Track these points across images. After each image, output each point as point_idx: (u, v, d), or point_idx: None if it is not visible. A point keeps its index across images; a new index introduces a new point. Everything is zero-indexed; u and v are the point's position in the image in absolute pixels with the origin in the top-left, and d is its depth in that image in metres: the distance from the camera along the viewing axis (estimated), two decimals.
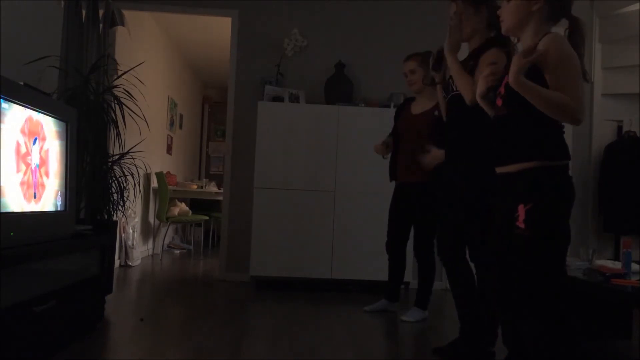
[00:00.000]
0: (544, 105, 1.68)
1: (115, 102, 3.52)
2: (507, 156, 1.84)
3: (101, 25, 3.86)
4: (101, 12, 3.86)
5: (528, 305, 1.76)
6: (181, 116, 7.88)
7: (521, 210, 1.76)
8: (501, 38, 2.44)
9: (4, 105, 1.97)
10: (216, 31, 6.25)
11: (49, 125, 2.37)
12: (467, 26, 2.52)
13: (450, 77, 2.57)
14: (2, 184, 1.94)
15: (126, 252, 5.21)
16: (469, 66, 2.48)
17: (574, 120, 1.68)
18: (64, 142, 2.54)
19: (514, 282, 1.80)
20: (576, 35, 1.80)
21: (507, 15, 1.89)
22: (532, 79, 1.70)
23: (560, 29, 1.88)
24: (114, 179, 3.47)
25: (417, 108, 3.50)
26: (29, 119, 2.18)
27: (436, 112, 3.22)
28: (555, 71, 1.70)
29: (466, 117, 2.47)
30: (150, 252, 6.38)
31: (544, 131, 1.78)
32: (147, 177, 6.06)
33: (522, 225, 1.76)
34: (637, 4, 4.59)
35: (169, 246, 7.09)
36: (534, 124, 1.77)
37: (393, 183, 3.61)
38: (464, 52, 2.54)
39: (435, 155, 2.90)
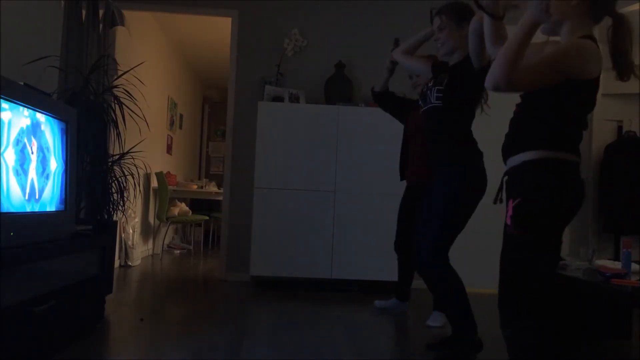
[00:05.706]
0: (520, 42, 1.49)
1: (115, 102, 3.52)
2: (511, 147, 1.68)
3: (101, 25, 3.86)
4: (101, 12, 3.86)
5: (511, 306, 1.63)
6: (181, 116, 7.88)
7: (510, 206, 1.58)
8: None
9: (4, 105, 1.97)
10: (216, 31, 6.25)
11: (49, 125, 2.37)
12: (449, 41, 2.62)
13: (428, 89, 2.62)
14: (2, 184, 1.94)
15: (126, 252, 5.21)
16: (441, 78, 2.58)
17: (501, 79, 1.49)
18: (64, 143, 2.54)
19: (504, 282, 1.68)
20: (620, 32, 1.63)
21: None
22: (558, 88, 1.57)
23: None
24: (114, 179, 3.47)
25: None
26: (29, 119, 2.18)
27: None
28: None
29: (442, 127, 2.60)
30: (150, 252, 6.38)
31: (554, 117, 1.59)
32: (147, 177, 6.06)
33: (508, 222, 1.58)
34: (637, 4, 4.59)
35: (169, 246, 7.09)
36: (544, 111, 1.60)
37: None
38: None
39: None
